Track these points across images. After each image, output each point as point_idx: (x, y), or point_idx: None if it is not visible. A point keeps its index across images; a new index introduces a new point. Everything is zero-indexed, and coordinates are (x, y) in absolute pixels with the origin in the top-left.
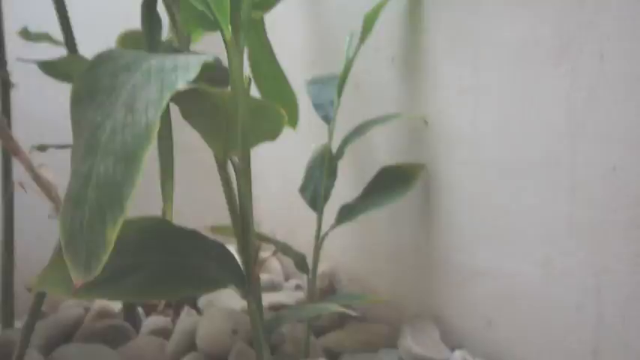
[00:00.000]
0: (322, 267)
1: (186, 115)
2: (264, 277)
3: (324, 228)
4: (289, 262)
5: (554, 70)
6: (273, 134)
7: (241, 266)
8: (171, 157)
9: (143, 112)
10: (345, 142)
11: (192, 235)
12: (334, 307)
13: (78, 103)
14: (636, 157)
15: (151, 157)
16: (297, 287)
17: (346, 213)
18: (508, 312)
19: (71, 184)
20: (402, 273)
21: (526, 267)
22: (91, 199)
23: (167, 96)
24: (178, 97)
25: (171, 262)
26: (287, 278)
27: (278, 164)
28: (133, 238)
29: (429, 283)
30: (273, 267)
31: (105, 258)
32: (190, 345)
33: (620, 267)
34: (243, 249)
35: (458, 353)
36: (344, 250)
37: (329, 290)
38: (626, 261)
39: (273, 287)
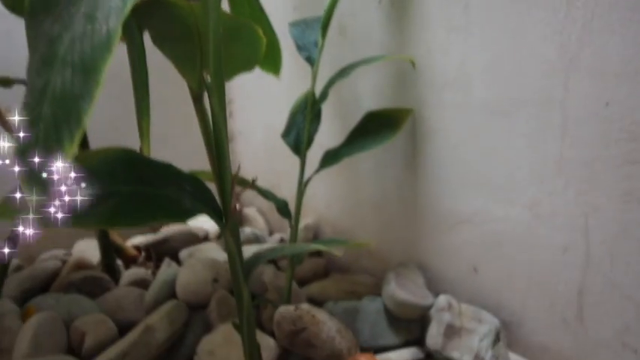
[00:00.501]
0: (306, 220)
1: (156, 39)
2: (247, 230)
3: (308, 174)
4: (273, 218)
5: (548, 1)
6: (251, 61)
7: (218, 200)
8: (146, 91)
9: (104, 21)
10: (329, 84)
11: (166, 168)
12: (315, 247)
13: (34, 16)
14: (630, 90)
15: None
16: (282, 241)
17: (330, 157)
18: (494, 257)
19: (26, 101)
20: (386, 223)
21: (513, 211)
22: (46, 115)
23: (130, 2)
24: (145, 13)
25: (142, 193)
26: (271, 233)
27: (261, 117)
28: (101, 168)
29: (415, 232)
30: (256, 222)
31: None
32: (170, 294)
33: (610, 206)
34: (219, 179)
35: (442, 298)
36: (328, 203)
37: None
38: (617, 199)
39: (257, 240)
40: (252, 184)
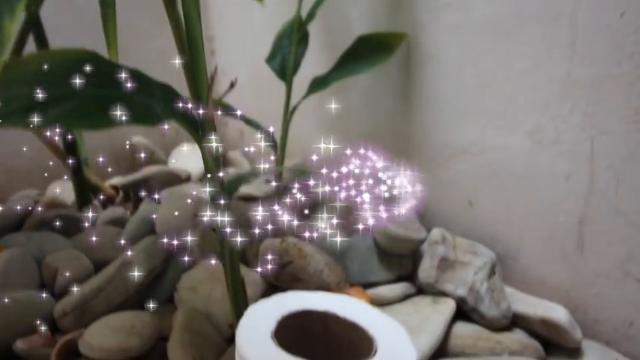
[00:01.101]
0: (293, 160)
1: None
2: (230, 170)
3: (294, 101)
4: (259, 162)
5: None
6: None
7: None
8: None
9: None
10: (317, 3)
11: (134, 73)
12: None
13: None
14: None
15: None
16: (267, 182)
17: (319, 82)
18: (491, 189)
19: None
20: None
21: (513, 138)
22: None
23: None
24: None
25: (106, 96)
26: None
27: (245, 56)
28: (60, 68)
29: (407, 167)
30: (241, 165)
31: (4, 56)
32: (149, 231)
33: (618, 127)
34: (194, 83)
35: (436, 230)
36: (317, 141)
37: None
38: (627, 119)
39: None
40: (232, 86)
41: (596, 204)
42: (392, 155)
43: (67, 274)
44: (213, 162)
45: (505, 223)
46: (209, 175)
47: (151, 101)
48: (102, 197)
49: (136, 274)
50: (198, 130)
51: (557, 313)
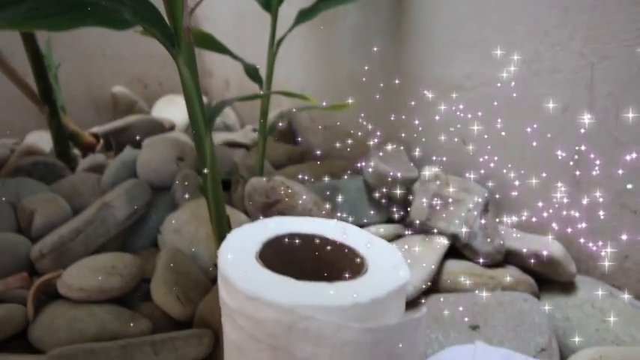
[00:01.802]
0: (280, 108)
1: None
2: (217, 120)
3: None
4: (244, 112)
5: None
6: None
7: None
8: None
9: None
10: None
11: None
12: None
13: None
14: None
15: None
16: (254, 131)
17: (306, 13)
18: (485, 126)
19: None
20: (368, 103)
21: (510, 70)
22: None
23: None
24: None
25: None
26: (242, 126)
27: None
28: None
29: (399, 109)
30: (226, 116)
31: None
32: (130, 175)
33: (619, 51)
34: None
35: (429, 169)
36: (303, 87)
37: (288, 133)
38: (628, 42)
39: (226, 128)
40: None
41: (595, 134)
42: (383, 96)
43: (44, 217)
44: (191, 78)
45: (500, 162)
46: (184, 91)
47: (120, 7)
48: (81, 145)
49: (117, 215)
50: (172, 43)
51: (552, 246)
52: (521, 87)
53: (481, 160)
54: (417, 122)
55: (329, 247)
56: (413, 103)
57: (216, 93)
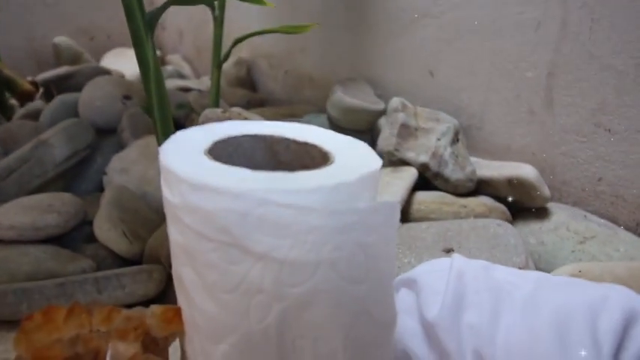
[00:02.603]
0: (239, 54)
1: None
2: (169, 68)
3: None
4: (200, 65)
5: None
6: None
7: None
8: None
9: None
10: None
11: None
12: None
13: None
14: None
15: None
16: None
17: None
18: (454, 55)
19: None
20: (331, 42)
21: None
22: None
23: None
24: None
25: None
26: (198, 77)
27: None
28: None
29: (363, 44)
30: (180, 65)
31: None
32: (70, 116)
33: None
34: None
35: (396, 99)
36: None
37: (247, 81)
38: None
39: (180, 76)
40: None
41: (568, 50)
42: (345, 33)
43: None
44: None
45: (469, 90)
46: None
47: None
48: (19, 94)
49: (56, 155)
50: None
51: (524, 170)
52: (491, 8)
53: (450, 91)
54: (381, 56)
55: (289, 147)
56: (377, 36)
57: (169, 46)
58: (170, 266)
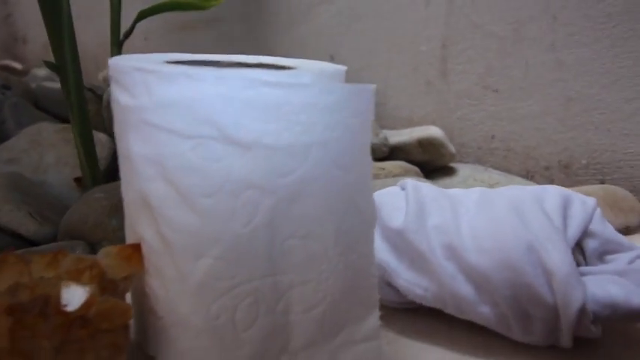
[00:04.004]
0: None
1: None
2: (39, 72)
3: None
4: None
5: None
6: None
7: None
8: None
9: None
10: None
11: None
12: None
13: None
14: None
15: None
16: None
17: None
18: (353, 37)
19: None
20: (224, 38)
21: None
22: None
23: None
24: None
25: None
26: None
27: None
28: None
29: (263, 33)
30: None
31: None
32: None
33: None
34: None
35: None
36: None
37: None
38: None
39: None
40: None
41: (456, 23)
42: (244, 19)
43: None
44: None
45: (369, 69)
46: None
47: None
48: None
49: None
50: None
51: (431, 130)
52: None
53: (351, 72)
54: (283, 45)
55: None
56: (276, 26)
57: (32, 60)
58: (94, 241)
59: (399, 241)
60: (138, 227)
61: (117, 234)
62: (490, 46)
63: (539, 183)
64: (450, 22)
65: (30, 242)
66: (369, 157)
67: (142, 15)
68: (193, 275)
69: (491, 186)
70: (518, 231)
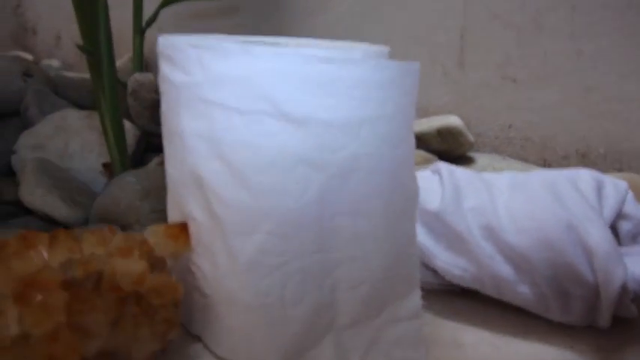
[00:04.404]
0: None
1: None
2: (52, 62)
3: None
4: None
5: None
6: None
7: None
8: None
9: None
10: None
11: None
12: None
13: None
14: None
15: None
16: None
17: None
18: (370, 30)
19: None
20: (243, 25)
21: None
22: None
23: None
24: None
25: None
26: None
27: None
28: None
29: (280, 27)
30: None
31: None
32: None
33: None
34: None
35: None
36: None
37: None
38: None
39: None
40: None
41: (474, 13)
42: (259, 9)
43: None
44: None
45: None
46: None
47: None
48: None
49: None
50: None
51: (450, 119)
52: None
53: None
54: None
55: None
56: (293, 18)
57: (42, 51)
58: (126, 224)
59: (436, 224)
60: (186, 206)
61: (149, 217)
62: (509, 35)
63: None
64: (468, 12)
65: (61, 226)
66: (413, 135)
67: (167, 1)
68: (244, 252)
69: None
70: (557, 210)
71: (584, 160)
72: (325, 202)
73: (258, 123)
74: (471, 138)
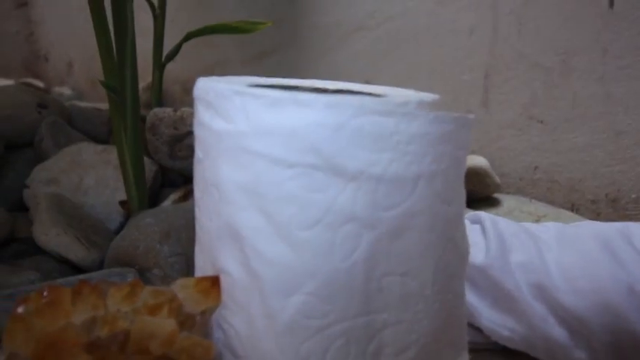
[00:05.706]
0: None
1: None
2: (64, 91)
3: None
4: (94, 97)
5: None
6: None
7: None
8: None
9: None
10: None
11: None
12: None
13: None
14: None
15: None
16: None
17: None
18: (390, 63)
19: None
20: (257, 61)
21: (412, 2)
22: None
23: None
24: None
25: None
26: None
27: None
28: None
29: (295, 59)
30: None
31: None
32: None
33: None
34: None
35: None
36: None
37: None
38: None
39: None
40: None
41: (500, 53)
42: (277, 46)
43: None
44: None
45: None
46: None
47: None
48: None
49: None
50: None
51: (477, 160)
52: (426, 17)
53: None
54: (316, 72)
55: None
56: (310, 51)
57: (54, 79)
58: (145, 268)
59: (480, 279)
60: (219, 259)
61: (168, 261)
62: (536, 76)
63: (585, 216)
64: (494, 51)
65: (76, 268)
66: (464, 190)
67: (189, 36)
68: (284, 313)
69: (539, 218)
70: (615, 271)
71: (615, 204)
72: (374, 262)
73: (306, 176)
74: (497, 179)
